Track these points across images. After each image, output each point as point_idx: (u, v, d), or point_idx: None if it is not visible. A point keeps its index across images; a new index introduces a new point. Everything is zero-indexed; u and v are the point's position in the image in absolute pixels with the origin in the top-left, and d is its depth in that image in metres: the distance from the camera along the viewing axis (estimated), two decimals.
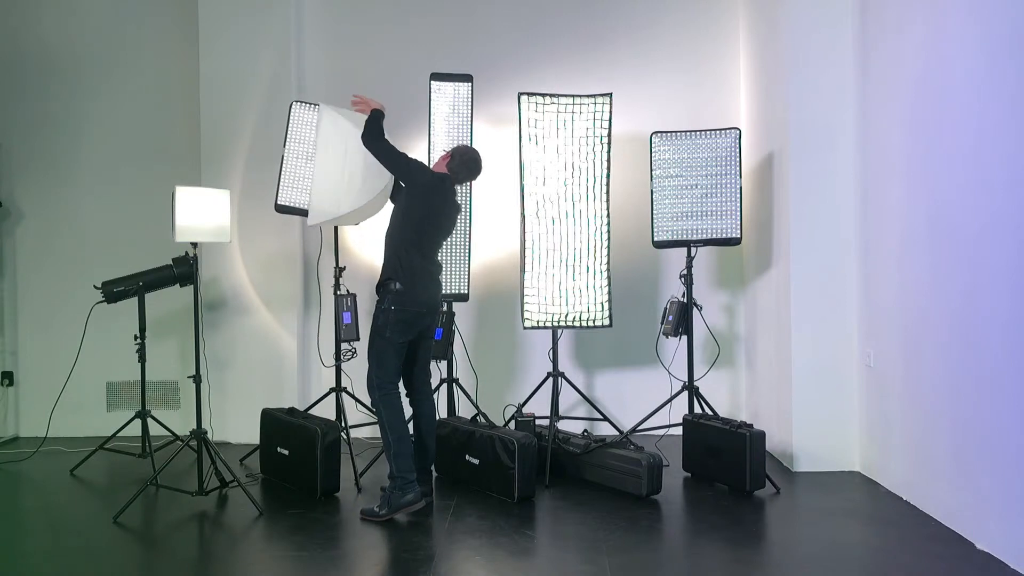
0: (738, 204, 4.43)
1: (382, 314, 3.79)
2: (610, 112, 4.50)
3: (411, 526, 3.65)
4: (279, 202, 4.46)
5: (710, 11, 5.32)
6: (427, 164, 4.24)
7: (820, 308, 4.38)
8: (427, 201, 3.88)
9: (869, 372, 4.23)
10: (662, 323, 4.56)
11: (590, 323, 4.52)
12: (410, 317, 3.81)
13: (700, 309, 4.54)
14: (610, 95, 4.52)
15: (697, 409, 4.47)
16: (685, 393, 4.50)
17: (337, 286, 4.55)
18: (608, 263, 4.53)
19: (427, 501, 3.88)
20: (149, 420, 4.57)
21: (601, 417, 4.77)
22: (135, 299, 4.51)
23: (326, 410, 4.61)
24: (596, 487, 4.16)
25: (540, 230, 4.47)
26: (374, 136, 3.87)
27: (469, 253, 4.78)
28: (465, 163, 3.99)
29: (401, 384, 3.92)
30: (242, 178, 5.13)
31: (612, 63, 5.30)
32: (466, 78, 4.75)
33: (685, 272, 4.49)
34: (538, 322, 4.50)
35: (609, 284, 4.53)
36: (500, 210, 5.20)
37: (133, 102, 5.43)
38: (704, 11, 5.32)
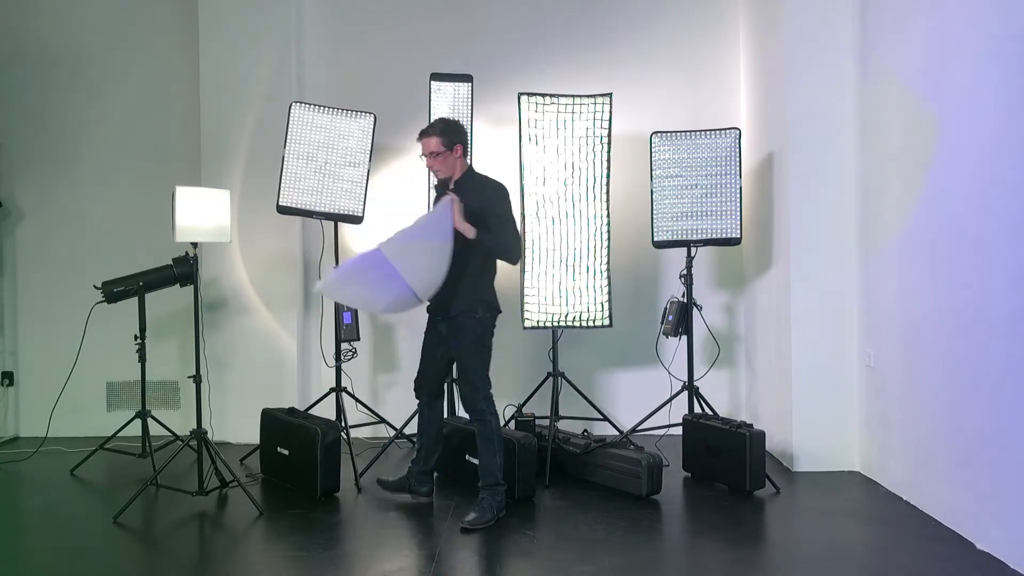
0: (738, 204, 4.43)
1: (478, 324, 3.69)
2: (610, 112, 4.51)
3: (411, 526, 3.65)
4: (281, 203, 4.46)
5: (710, 11, 5.32)
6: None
7: (820, 308, 4.38)
8: None
9: (869, 372, 4.23)
10: (662, 323, 4.56)
11: (590, 323, 4.52)
12: (494, 321, 3.79)
13: (700, 309, 4.54)
14: (610, 95, 4.52)
15: (697, 409, 4.47)
16: (685, 393, 4.50)
17: None
18: (608, 263, 4.53)
19: (429, 501, 3.93)
20: (149, 420, 4.57)
21: (601, 417, 4.77)
22: (135, 299, 4.51)
23: (326, 410, 4.61)
24: (596, 487, 4.16)
25: (540, 230, 4.47)
26: (490, 238, 3.62)
27: None
28: (467, 143, 3.85)
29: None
30: (242, 178, 5.13)
31: (612, 63, 5.30)
32: (466, 78, 4.75)
33: (685, 272, 4.49)
34: (538, 322, 4.50)
35: (609, 284, 4.53)
36: None
37: (133, 102, 5.43)
38: (704, 11, 5.32)
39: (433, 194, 4.57)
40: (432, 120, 3.78)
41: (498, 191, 3.75)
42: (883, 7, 4.05)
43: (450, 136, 3.70)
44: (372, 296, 3.53)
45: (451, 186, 3.77)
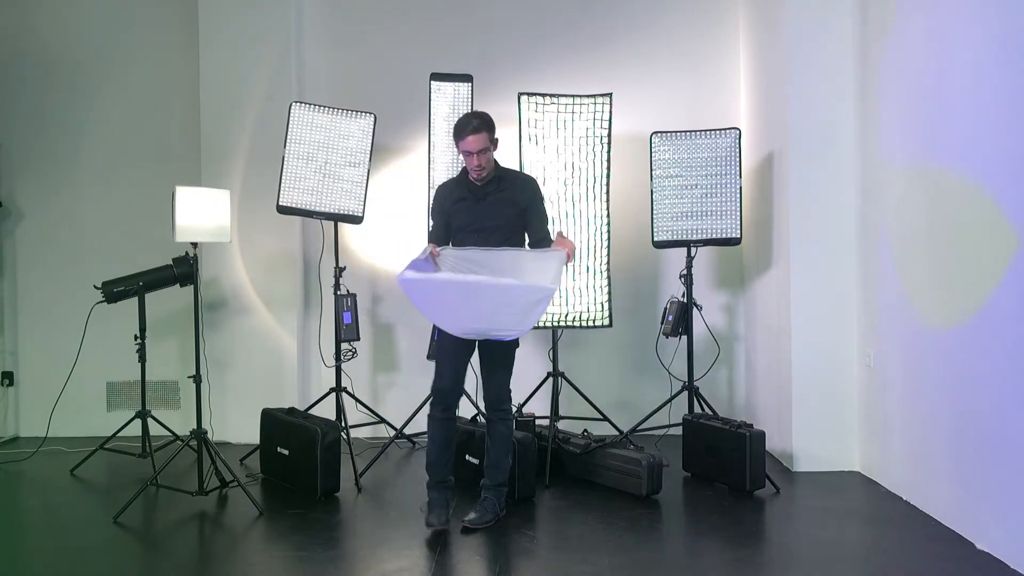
0: (738, 204, 4.43)
1: None
2: (610, 112, 4.51)
3: (411, 526, 3.64)
4: (281, 203, 4.45)
5: (710, 11, 5.31)
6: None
7: (820, 308, 4.38)
8: None
9: (869, 372, 4.23)
10: (662, 323, 4.56)
11: (590, 323, 4.52)
12: None
13: (700, 309, 4.54)
14: (610, 95, 4.52)
15: (697, 409, 4.47)
16: (685, 393, 4.50)
17: (337, 286, 4.56)
18: (608, 263, 4.53)
19: None
20: (149, 420, 4.57)
21: (601, 417, 4.76)
22: (135, 299, 4.51)
23: (326, 410, 4.61)
24: (596, 487, 4.15)
25: None
26: None
27: None
28: None
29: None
30: (242, 178, 5.13)
31: (612, 63, 5.29)
32: (466, 78, 4.75)
33: (685, 272, 4.49)
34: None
35: (609, 284, 4.53)
36: None
37: (133, 102, 5.43)
38: (704, 11, 5.32)
39: (429, 193, 4.57)
40: (464, 117, 3.58)
41: (538, 189, 3.71)
42: (883, 7, 4.05)
43: (492, 130, 3.55)
44: (486, 320, 3.34)
45: (487, 176, 3.57)
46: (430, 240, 3.71)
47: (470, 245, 3.55)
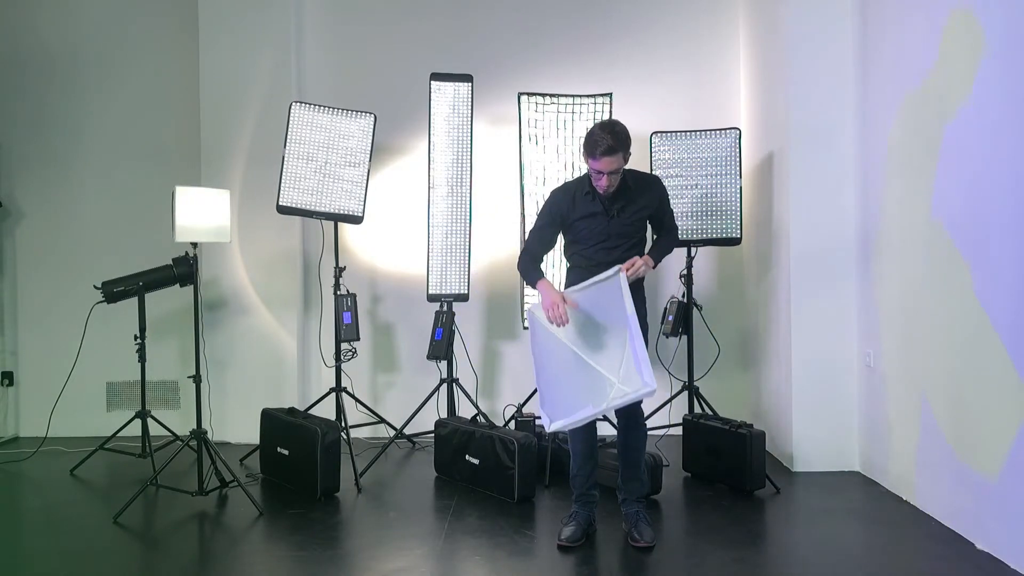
0: (738, 204, 4.43)
1: None
2: (610, 112, 4.51)
3: (411, 526, 3.64)
4: (281, 203, 4.46)
5: (710, 11, 5.31)
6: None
7: (820, 308, 4.38)
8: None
9: (869, 372, 4.23)
10: (662, 323, 4.56)
11: None
12: None
13: (700, 309, 4.54)
14: (610, 95, 4.52)
15: (697, 409, 4.47)
16: (685, 393, 4.50)
17: (337, 286, 4.56)
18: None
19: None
20: (149, 420, 4.57)
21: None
22: (135, 299, 4.51)
23: (326, 410, 4.61)
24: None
25: None
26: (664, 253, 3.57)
27: (469, 253, 4.77)
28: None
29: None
30: (242, 178, 5.13)
31: (612, 63, 5.29)
32: (466, 78, 4.75)
33: (685, 272, 4.49)
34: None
35: None
36: (500, 210, 5.20)
37: (133, 102, 5.43)
38: (704, 11, 5.32)
39: (429, 193, 4.55)
40: (597, 132, 3.26)
41: (664, 189, 3.58)
42: (883, 6, 4.05)
43: (628, 147, 3.31)
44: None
45: (615, 188, 3.35)
46: (535, 236, 3.47)
47: (593, 256, 3.38)
